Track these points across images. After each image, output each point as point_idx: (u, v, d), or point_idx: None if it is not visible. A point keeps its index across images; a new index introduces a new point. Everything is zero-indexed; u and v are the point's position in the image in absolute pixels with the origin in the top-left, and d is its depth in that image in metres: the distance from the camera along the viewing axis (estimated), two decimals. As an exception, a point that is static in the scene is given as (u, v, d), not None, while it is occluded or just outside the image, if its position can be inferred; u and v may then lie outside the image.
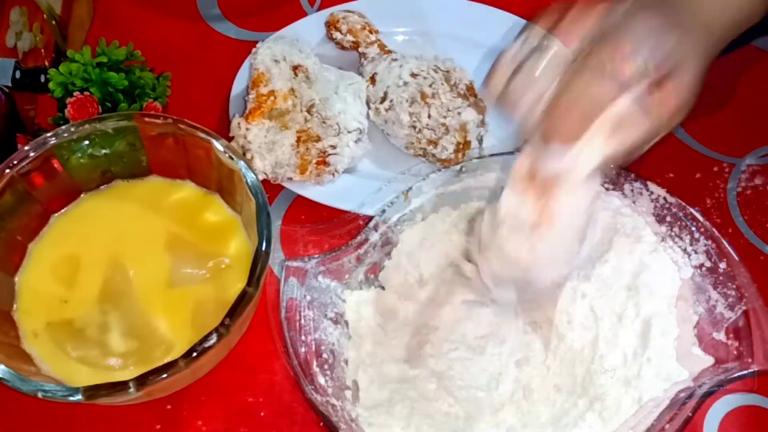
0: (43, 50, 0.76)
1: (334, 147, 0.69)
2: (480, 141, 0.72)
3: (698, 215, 0.59)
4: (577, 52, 0.48)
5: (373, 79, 0.74)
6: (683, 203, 0.60)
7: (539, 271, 0.53)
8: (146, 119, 0.63)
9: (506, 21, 0.81)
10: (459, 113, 0.70)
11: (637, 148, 0.50)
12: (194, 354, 0.53)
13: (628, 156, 0.50)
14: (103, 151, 0.64)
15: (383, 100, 0.72)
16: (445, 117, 0.70)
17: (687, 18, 0.49)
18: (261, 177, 0.67)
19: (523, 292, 0.56)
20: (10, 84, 0.71)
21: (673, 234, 0.60)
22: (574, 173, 0.49)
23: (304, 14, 0.85)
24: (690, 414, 0.52)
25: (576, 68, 0.48)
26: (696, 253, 0.59)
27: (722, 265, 0.57)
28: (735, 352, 0.55)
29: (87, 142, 0.63)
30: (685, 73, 0.49)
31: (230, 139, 0.69)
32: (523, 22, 0.80)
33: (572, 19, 0.48)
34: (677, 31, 0.48)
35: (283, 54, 0.72)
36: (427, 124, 0.70)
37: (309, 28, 0.80)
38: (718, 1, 0.51)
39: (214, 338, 0.53)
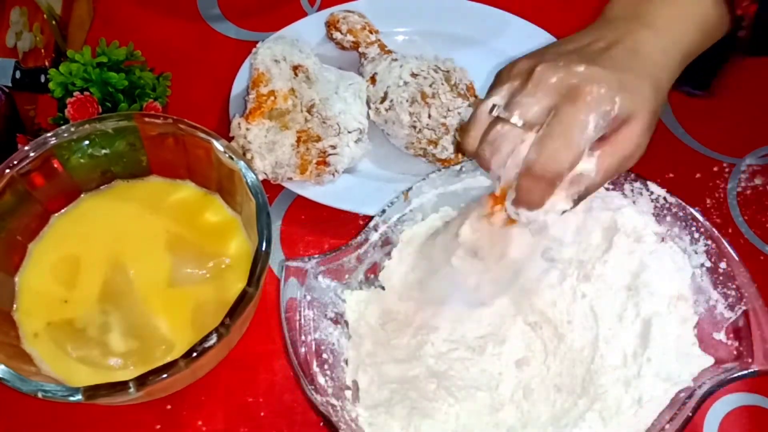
0: (43, 50, 0.76)
1: (334, 147, 0.69)
2: (480, 141, 0.72)
3: (698, 215, 0.59)
4: (539, 119, 0.52)
5: (373, 79, 0.74)
6: (683, 203, 0.59)
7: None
8: (146, 119, 0.63)
9: (506, 21, 0.81)
10: (459, 113, 0.70)
11: (592, 192, 0.54)
12: (194, 354, 0.53)
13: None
14: (103, 151, 0.64)
15: (383, 100, 0.72)
16: (445, 117, 0.70)
17: (632, 75, 0.52)
18: (261, 177, 0.67)
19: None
20: (10, 84, 0.71)
21: (673, 234, 0.60)
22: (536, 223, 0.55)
23: (304, 14, 0.85)
24: (690, 414, 0.52)
25: (537, 140, 0.51)
26: (696, 253, 0.59)
27: (722, 265, 0.57)
28: (735, 352, 0.55)
29: (87, 142, 0.63)
30: (636, 123, 0.52)
31: (230, 139, 0.69)
32: (523, 22, 0.81)
33: (533, 88, 0.52)
34: (625, 94, 0.51)
35: (283, 54, 0.72)
36: (427, 124, 0.70)
37: (309, 28, 0.80)
38: (657, 50, 0.54)
39: (214, 338, 0.53)
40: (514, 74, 0.54)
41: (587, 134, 0.50)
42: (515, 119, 0.52)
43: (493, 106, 0.53)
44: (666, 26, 0.55)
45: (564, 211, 0.54)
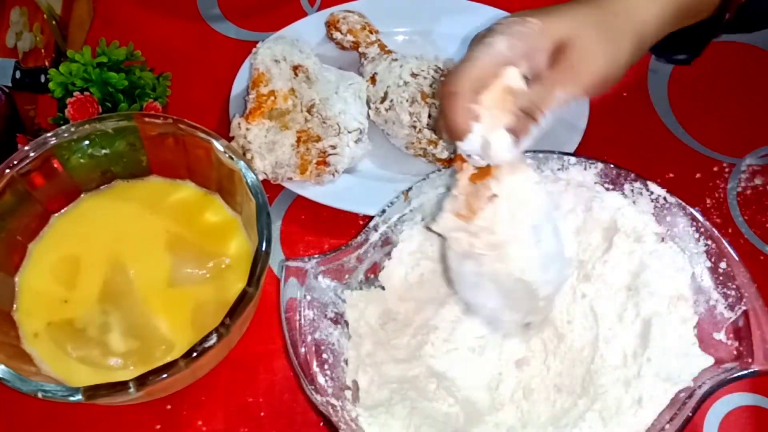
0: (43, 50, 0.76)
1: (334, 147, 0.69)
2: (480, 141, 0.72)
3: (698, 215, 0.59)
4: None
5: (373, 79, 0.74)
6: (683, 203, 0.59)
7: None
8: (146, 119, 0.63)
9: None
10: (459, 113, 0.70)
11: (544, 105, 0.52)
12: (194, 354, 0.53)
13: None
14: (103, 151, 0.64)
15: (383, 100, 0.72)
16: (445, 117, 0.70)
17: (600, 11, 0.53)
18: (261, 177, 0.67)
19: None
20: (10, 84, 0.71)
21: (673, 234, 0.60)
22: (494, 159, 0.51)
23: (304, 14, 0.85)
24: (690, 414, 0.52)
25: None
26: (696, 253, 0.59)
27: (722, 265, 0.57)
28: (735, 352, 0.55)
29: (87, 142, 0.63)
30: (585, 41, 0.51)
31: (230, 139, 0.69)
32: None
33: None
34: (551, 19, 0.52)
35: (283, 54, 0.72)
36: (427, 124, 0.70)
37: (309, 28, 0.80)
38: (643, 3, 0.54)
39: (214, 338, 0.53)
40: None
41: (493, 50, 0.50)
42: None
43: None
44: None
45: (515, 142, 0.51)
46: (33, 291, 0.61)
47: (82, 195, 0.66)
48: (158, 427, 0.61)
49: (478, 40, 0.53)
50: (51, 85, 0.70)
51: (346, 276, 0.61)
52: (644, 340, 0.57)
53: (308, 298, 0.58)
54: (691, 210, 0.59)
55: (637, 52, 0.54)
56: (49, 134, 0.62)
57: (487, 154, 0.51)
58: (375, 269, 0.63)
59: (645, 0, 0.54)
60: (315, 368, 0.56)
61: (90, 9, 0.84)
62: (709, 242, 0.58)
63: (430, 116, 0.70)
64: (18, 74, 0.72)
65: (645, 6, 0.54)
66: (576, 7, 0.54)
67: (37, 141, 0.61)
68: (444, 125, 0.53)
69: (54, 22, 0.76)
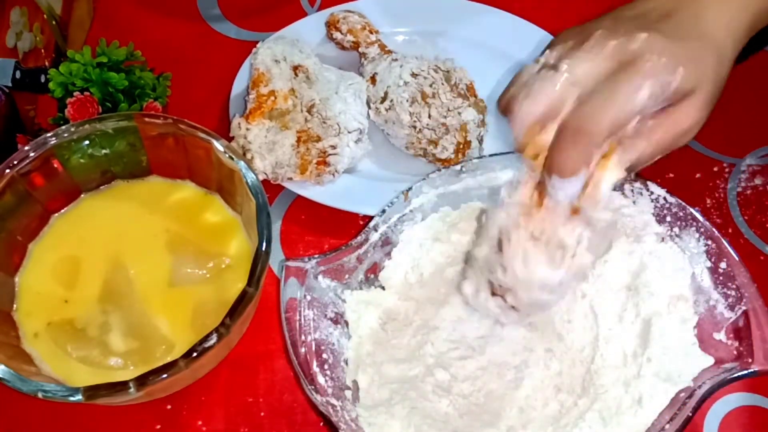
0: (43, 50, 0.76)
1: (334, 147, 0.69)
2: (480, 141, 0.72)
3: (698, 215, 0.59)
4: (588, 80, 0.48)
5: (373, 79, 0.74)
6: (683, 203, 0.59)
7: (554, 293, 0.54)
8: (146, 119, 0.63)
9: (506, 21, 0.81)
10: (459, 113, 0.70)
11: (644, 164, 0.50)
12: (194, 354, 0.53)
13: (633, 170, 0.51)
14: (104, 151, 0.64)
15: (383, 100, 0.72)
16: (445, 117, 0.70)
17: (696, 45, 0.49)
18: (261, 177, 0.67)
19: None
20: (10, 84, 0.71)
21: (673, 234, 0.60)
22: (589, 205, 0.49)
23: (304, 14, 0.85)
24: (690, 414, 0.52)
25: (582, 96, 0.47)
26: (696, 253, 0.59)
27: (722, 265, 0.57)
28: (735, 352, 0.55)
29: (87, 142, 0.63)
30: (697, 97, 0.49)
31: (230, 139, 0.69)
32: (523, 22, 0.81)
33: (589, 48, 0.48)
34: (689, 65, 0.48)
35: (283, 54, 0.72)
36: (427, 124, 0.70)
37: (309, 28, 0.80)
38: (723, 16, 0.51)
39: (214, 338, 0.53)
40: (567, 38, 0.50)
41: (638, 99, 0.46)
42: (563, 66, 0.47)
43: (539, 69, 0.49)
44: None
45: (615, 184, 0.49)
46: (33, 291, 0.61)
47: (82, 195, 0.66)
48: (158, 427, 0.61)
49: (622, 78, 0.47)
50: (51, 85, 0.70)
51: (346, 276, 0.61)
52: (644, 340, 0.57)
53: (308, 298, 0.58)
54: (691, 210, 0.59)
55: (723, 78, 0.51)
56: (49, 134, 0.62)
57: (580, 198, 0.49)
58: (375, 269, 0.63)
59: (723, 21, 0.51)
60: (315, 368, 0.56)
61: (90, 9, 0.84)
62: (709, 242, 0.58)
63: (429, 116, 0.70)
64: (18, 74, 0.72)
65: (725, 22, 0.51)
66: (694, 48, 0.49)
67: (37, 141, 0.61)
68: (551, 157, 0.48)
69: (54, 22, 0.76)
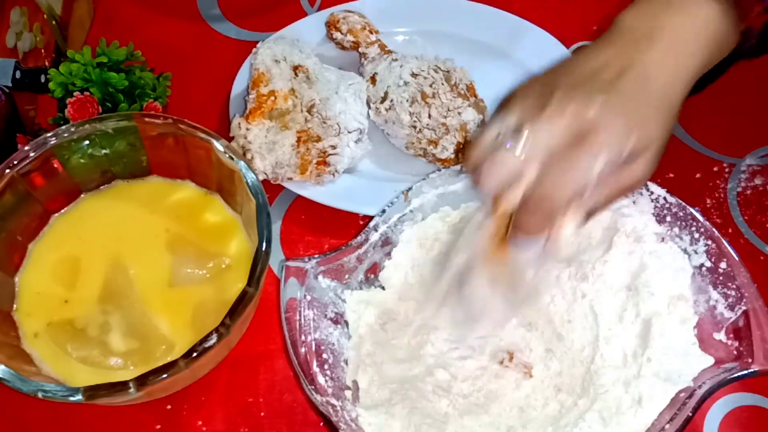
0: (43, 50, 0.76)
1: (334, 147, 0.69)
2: (480, 141, 0.72)
3: (698, 215, 0.59)
4: (548, 150, 0.50)
5: (373, 79, 0.74)
6: (683, 203, 0.59)
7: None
8: (146, 119, 0.63)
9: (506, 21, 0.81)
10: (459, 113, 0.70)
11: (599, 212, 0.53)
12: (194, 354, 0.53)
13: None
14: (104, 151, 0.64)
15: (383, 100, 0.72)
16: (445, 117, 0.70)
17: (647, 104, 0.52)
18: (261, 177, 0.67)
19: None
20: (10, 84, 0.71)
21: (673, 234, 0.60)
22: (552, 253, 0.53)
23: (304, 14, 0.85)
24: (690, 414, 0.52)
25: (541, 172, 0.50)
26: (696, 253, 0.59)
27: (722, 265, 0.57)
28: (735, 352, 0.55)
29: (87, 142, 0.63)
30: (648, 155, 0.52)
31: (230, 139, 0.69)
32: (523, 22, 0.81)
33: (549, 116, 0.51)
34: (640, 130, 0.51)
35: (283, 54, 0.72)
36: (427, 124, 0.70)
37: (309, 28, 0.80)
38: (669, 65, 0.53)
39: (214, 338, 0.53)
40: (525, 98, 0.53)
41: (596, 168, 0.50)
42: (524, 134, 0.51)
43: (499, 133, 0.52)
44: (676, 46, 0.54)
45: (572, 232, 0.52)
46: (33, 291, 0.61)
47: (82, 195, 0.66)
48: (158, 427, 0.61)
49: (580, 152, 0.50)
50: (51, 85, 0.70)
51: (346, 276, 0.61)
52: (644, 340, 0.57)
53: (308, 298, 0.58)
54: (691, 210, 0.59)
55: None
56: (49, 134, 0.62)
57: (544, 251, 0.52)
58: (375, 269, 0.63)
59: (669, 76, 0.53)
60: (315, 368, 0.56)
61: (90, 9, 0.84)
62: (709, 242, 0.58)
63: (429, 116, 0.70)
64: (18, 74, 0.72)
65: (671, 77, 0.54)
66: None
67: (37, 141, 0.61)
68: (518, 221, 0.52)
69: (54, 22, 0.76)
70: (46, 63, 0.75)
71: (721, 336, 0.56)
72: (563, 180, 0.50)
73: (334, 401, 0.55)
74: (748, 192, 0.73)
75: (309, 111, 0.70)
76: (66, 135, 0.62)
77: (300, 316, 0.57)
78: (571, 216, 0.51)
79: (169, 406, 0.62)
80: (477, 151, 0.53)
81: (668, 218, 0.60)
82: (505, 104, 0.54)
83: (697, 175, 0.74)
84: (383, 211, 0.62)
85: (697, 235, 0.59)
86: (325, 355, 0.57)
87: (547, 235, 0.52)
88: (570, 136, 0.50)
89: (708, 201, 0.72)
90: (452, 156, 0.70)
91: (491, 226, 0.54)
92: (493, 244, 0.55)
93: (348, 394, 0.57)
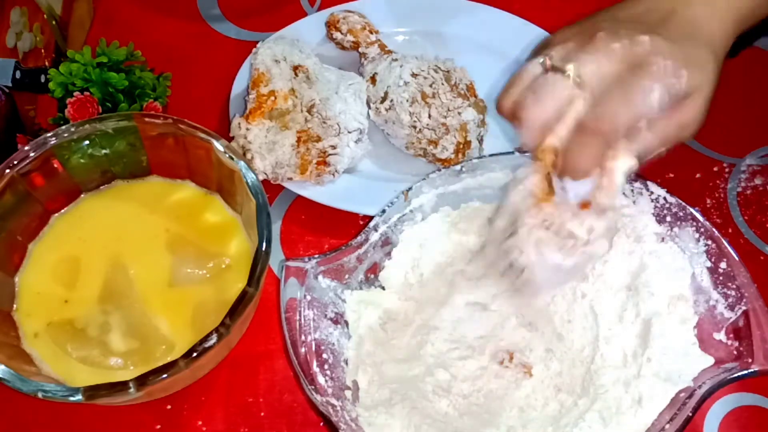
0: (43, 50, 0.76)
1: (334, 147, 0.69)
2: (480, 141, 0.72)
3: (698, 215, 0.59)
4: (596, 82, 0.49)
5: (373, 79, 0.74)
6: (683, 203, 0.59)
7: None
8: (146, 119, 0.63)
9: (506, 21, 0.81)
10: (459, 113, 0.70)
11: (649, 156, 0.52)
12: (194, 354, 0.53)
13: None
14: (104, 151, 0.64)
15: (383, 100, 0.72)
16: (445, 117, 0.70)
17: (695, 47, 0.51)
18: (261, 177, 0.67)
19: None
20: (10, 84, 0.71)
21: (673, 234, 0.60)
22: (607, 197, 0.51)
23: (304, 14, 0.85)
24: (690, 414, 0.52)
25: (595, 99, 0.48)
26: (696, 253, 0.59)
27: (722, 265, 0.57)
28: (735, 352, 0.55)
29: (87, 142, 0.63)
30: (699, 96, 0.51)
31: (230, 139, 0.69)
32: (523, 22, 0.81)
33: (594, 50, 0.49)
34: (692, 68, 0.49)
35: (283, 54, 0.72)
36: (427, 124, 0.70)
37: (309, 28, 0.80)
38: (714, 18, 0.52)
39: (214, 338, 0.53)
40: (566, 38, 0.51)
41: (651, 100, 0.48)
42: (570, 69, 0.48)
43: (543, 61, 0.49)
44: None
45: (628, 173, 0.50)
46: (33, 291, 0.61)
47: (82, 195, 0.66)
48: (158, 427, 0.61)
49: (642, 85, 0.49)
50: (51, 85, 0.70)
51: (346, 276, 0.61)
52: (644, 340, 0.57)
53: (308, 298, 0.58)
54: (691, 210, 0.59)
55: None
56: (49, 134, 0.62)
57: (593, 196, 0.50)
58: (375, 269, 0.63)
59: (715, 21, 0.53)
60: (315, 368, 0.56)
61: (90, 9, 0.84)
62: (709, 242, 0.58)
63: (429, 116, 0.70)
64: (18, 74, 0.72)
65: (717, 22, 0.53)
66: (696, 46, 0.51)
67: (37, 141, 0.61)
68: (566, 161, 0.49)
69: (54, 22, 0.76)
70: (46, 63, 0.75)
71: (721, 336, 0.56)
72: (620, 108, 0.48)
73: (334, 401, 0.55)
74: (748, 192, 0.73)
75: (309, 111, 0.70)
76: (66, 135, 0.62)
77: (300, 316, 0.57)
78: (625, 153, 0.49)
79: (169, 406, 0.62)
80: (516, 89, 0.50)
81: (668, 218, 0.60)
82: (540, 49, 0.52)
83: (697, 175, 0.74)
84: (383, 211, 0.62)
85: (697, 235, 0.59)
86: (325, 355, 0.57)
87: (600, 174, 0.49)
88: (618, 70, 0.48)
89: (708, 201, 0.72)
90: (452, 156, 0.70)
91: (533, 180, 0.51)
92: (537, 202, 0.52)
93: (348, 394, 0.57)
